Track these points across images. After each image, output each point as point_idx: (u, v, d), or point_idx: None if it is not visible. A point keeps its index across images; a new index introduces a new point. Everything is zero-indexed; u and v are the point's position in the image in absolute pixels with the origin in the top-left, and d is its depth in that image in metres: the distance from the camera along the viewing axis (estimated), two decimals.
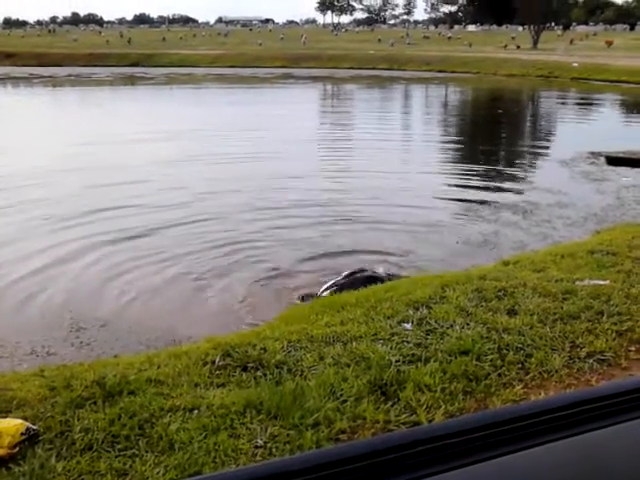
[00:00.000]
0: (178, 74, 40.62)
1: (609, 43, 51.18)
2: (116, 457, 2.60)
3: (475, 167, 12.23)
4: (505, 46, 52.81)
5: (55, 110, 25.55)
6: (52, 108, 26.44)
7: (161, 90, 33.60)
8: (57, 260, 6.82)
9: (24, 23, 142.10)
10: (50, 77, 38.65)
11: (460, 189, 10.36)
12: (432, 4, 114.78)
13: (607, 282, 4.56)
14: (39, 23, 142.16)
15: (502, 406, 2.90)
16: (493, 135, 18.07)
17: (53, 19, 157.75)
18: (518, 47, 52.01)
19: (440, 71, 39.82)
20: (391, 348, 3.49)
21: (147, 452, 2.63)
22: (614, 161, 11.79)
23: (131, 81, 38.39)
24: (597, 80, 32.31)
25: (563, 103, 27.14)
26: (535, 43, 52.71)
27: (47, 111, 25.06)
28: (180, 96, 31.06)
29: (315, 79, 38.34)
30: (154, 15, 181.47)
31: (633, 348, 3.61)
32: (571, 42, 56.13)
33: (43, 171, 11.70)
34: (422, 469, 0.64)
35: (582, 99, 27.79)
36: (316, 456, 0.66)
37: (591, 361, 3.45)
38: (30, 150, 14.58)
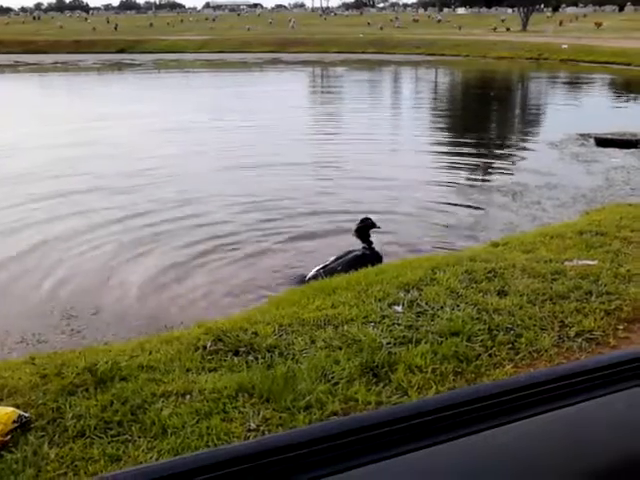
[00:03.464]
0: (166, 60, 40.25)
1: (598, 24, 51.12)
2: (109, 443, 2.61)
3: (465, 149, 12.23)
4: (494, 28, 52.65)
5: (44, 96, 25.27)
6: (42, 95, 26.16)
7: (149, 76, 33.29)
8: (44, 246, 6.78)
9: (8, 10, 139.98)
10: (36, 64, 38.17)
11: (449, 171, 10.36)
12: None
13: (596, 262, 4.60)
14: (23, 10, 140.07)
15: (486, 382, 2.93)
16: (482, 117, 18.06)
17: (38, 5, 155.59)
18: (508, 29, 51.86)
19: (430, 54, 39.65)
20: (382, 330, 3.51)
21: (140, 437, 2.64)
22: (603, 142, 11.83)
23: (118, 68, 37.99)
24: (586, 61, 32.29)
25: (553, 85, 27.13)
26: (524, 25, 52.55)
27: (35, 97, 24.78)
28: (170, 81, 30.81)
29: (305, 63, 38.10)
30: (141, 1, 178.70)
31: (621, 327, 3.65)
32: (560, 24, 56.02)
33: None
34: (408, 444, 0.65)
35: (571, 80, 27.81)
36: (304, 432, 0.67)
37: (580, 340, 3.48)
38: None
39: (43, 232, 7.19)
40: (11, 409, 2.73)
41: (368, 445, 0.64)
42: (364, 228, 5.82)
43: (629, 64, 30.11)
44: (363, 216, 5.98)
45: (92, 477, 2.35)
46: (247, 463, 0.60)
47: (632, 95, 22.90)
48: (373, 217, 5.99)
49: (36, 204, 8.36)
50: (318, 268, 5.60)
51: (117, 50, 45.64)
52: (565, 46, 35.14)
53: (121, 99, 22.42)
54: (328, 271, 5.39)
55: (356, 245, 5.92)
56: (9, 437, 2.62)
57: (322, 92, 26.12)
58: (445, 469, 0.66)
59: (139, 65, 38.05)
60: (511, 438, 0.70)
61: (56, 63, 39.01)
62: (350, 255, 5.70)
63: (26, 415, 2.75)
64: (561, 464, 0.69)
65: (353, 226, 5.97)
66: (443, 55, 39.06)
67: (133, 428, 2.69)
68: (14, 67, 37.66)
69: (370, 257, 5.62)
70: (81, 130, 14.40)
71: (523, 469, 0.68)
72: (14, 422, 2.67)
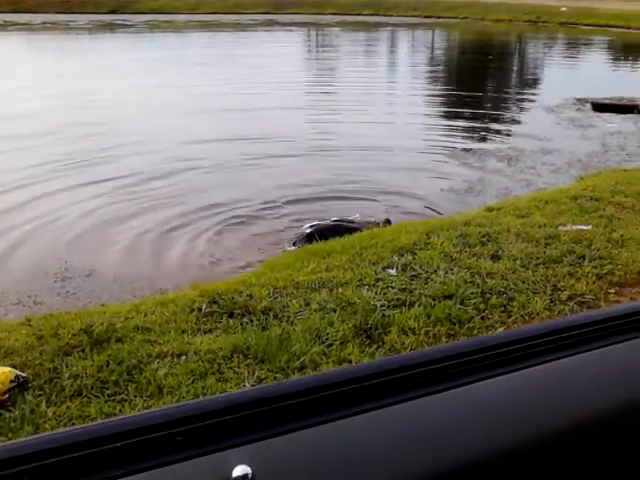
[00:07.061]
0: (159, 21, 39.49)
1: None
2: (105, 402, 2.64)
3: (461, 113, 12.15)
4: None
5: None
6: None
7: (141, 37, 32.71)
8: (33, 208, 6.72)
9: None
10: (26, 24, 37.36)
11: (445, 135, 10.29)
12: None
13: (589, 227, 4.62)
14: None
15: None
16: (479, 81, 17.87)
17: None
18: None
19: (426, 16, 38.97)
20: (376, 293, 3.54)
21: (136, 397, 2.67)
22: (600, 107, 11.76)
23: (110, 29, 37.26)
24: (585, 25, 31.87)
25: (551, 48, 26.82)
26: None
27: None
28: (164, 41, 30.29)
29: (300, 25, 37.44)
30: None
31: (612, 290, 3.69)
32: None
33: None
34: (402, 394, 0.67)
35: (570, 44, 27.47)
36: (296, 383, 0.68)
37: (572, 303, 3.53)
38: None
39: (32, 192, 7.11)
40: (8, 369, 2.76)
41: (360, 395, 0.66)
42: None
43: (629, 27, 29.73)
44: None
45: None
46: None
47: (630, 59, 22.70)
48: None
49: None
50: (297, 236, 5.62)
51: (108, 11, 44.61)
52: (564, 9, 34.61)
53: (109, 59, 22.02)
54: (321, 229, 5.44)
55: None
56: (7, 396, 2.65)
57: (319, 52, 25.76)
58: (438, 419, 0.68)
59: (131, 26, 37.29)
60: (499, 390, 0.71)
61: (45, 23, 38.17)
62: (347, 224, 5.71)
63: (23, 375, 2.77)
64: (556, 412, 0.71)
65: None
66: (440, 17, 38.41)
67: (129, 388, 2.72)
68: (3, 27, 36.87)
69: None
70: (62, 87, 14.25)
71: (517, 419, 0.70)
72: (11, 382, 2.69)
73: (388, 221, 5.85)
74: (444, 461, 0.63)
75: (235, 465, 0.54)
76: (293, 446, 0.60)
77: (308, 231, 5.57)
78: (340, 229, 5.44)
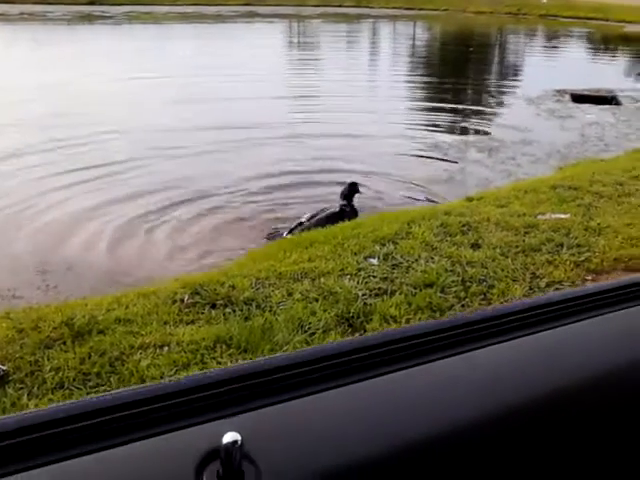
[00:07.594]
0: (139, 12, 39.04)
1: None
2: (88, 394, 2.63)
3: (442, 104, 12.19)
4: None
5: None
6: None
7: (120, 28, 32.33)
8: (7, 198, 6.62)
9: None
10: (1, 15, 36.72)
11: (426, 126, 10.33)
12: None
13: (568, 216, 4.69)
14: None
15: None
16: (460, 73, 17.95)
17: None
18: None
19: (408, 8, 38.98)
20: (358, 282, 3.56)
21: (119, 388, 2.67)
22: (579, 98, 11.90)
23: (89, 20, 36.76)
24: (565, 17, 32.14)
25: (531, 40, 27.01)
26: None
27: None
28: (145, 33, 29.96)
29: (282, 17, 37.28)
30: None
31: (590, 277, 3.76)
32: None
33: None
34: (379, 368, 0.69)
35: (550, 36, 27.68)
36: (278, 360, 0.69)
37: (550, 290, 3.58)
38: None
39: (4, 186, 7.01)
40: None
41: (339, 370, 0.67)
42: (351, 193, 5.94)
43: (607, 19, 30.04)
44: (351, 181, 6.12)
45: None
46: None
47: (608, 51, 22.94)
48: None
49: None
50: (294, 225, 5.60)
51: (87, 1, 44.01)
52: (544, 1, 34.88)
53: (86, 50, 21.67)
54: (305, 229, 5.40)
55: (330, 200, 5.96)
56: None
57: (300, 43, 25.66)
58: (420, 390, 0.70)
59: (110, 17, 36.84)
60: (490, 359, 0.74)
61: (23, 14, 37.55)
62: (327, 212, 5.72)
63: (3, 368, 2.76)
64: (544, 379, 0.73)
65: (341, 189, 6.08)
66: (421, 9, 38.44)
67: (112, 379, 2.72)
68: None
69: (347, 214, 5.66)
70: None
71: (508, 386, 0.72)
72: None
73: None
74: (420, 429, 0.65)
75: (225, 432, 0.56)
76: (279, 416, 0.64)
77: (303, 220, 5.60)
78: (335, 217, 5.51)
